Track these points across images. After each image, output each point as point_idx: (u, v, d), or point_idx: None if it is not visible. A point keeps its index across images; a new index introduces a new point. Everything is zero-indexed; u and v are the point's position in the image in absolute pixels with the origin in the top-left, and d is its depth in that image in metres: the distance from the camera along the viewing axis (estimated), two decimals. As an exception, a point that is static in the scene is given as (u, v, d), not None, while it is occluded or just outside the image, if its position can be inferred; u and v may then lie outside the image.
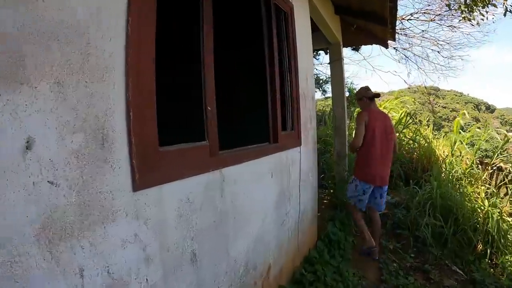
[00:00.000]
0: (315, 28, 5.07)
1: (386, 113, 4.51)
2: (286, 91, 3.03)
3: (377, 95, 3.99)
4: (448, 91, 46.11)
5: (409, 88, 10.22)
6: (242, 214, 2.13)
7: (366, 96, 3.86)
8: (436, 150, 6.71)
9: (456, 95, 46.90)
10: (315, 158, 4.01)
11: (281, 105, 2.82)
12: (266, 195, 2.55)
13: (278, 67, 2.78)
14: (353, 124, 8.58)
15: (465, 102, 45.54)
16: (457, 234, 4.29)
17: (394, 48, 9.20)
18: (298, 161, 3.26)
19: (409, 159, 6.57)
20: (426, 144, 6.83)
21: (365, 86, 4.02)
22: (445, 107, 42.60)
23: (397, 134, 6.83)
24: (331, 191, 5.67)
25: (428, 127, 8.31)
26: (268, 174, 2.56)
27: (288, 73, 3.07)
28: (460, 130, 7.32)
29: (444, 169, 5.85)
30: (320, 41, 5.83)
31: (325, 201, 5.54)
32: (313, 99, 3.90)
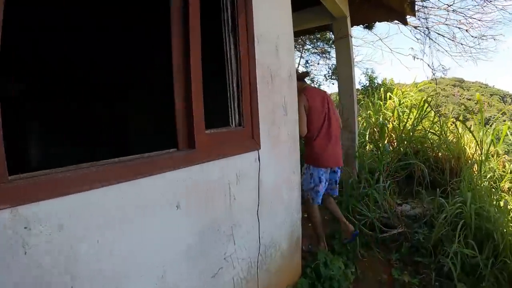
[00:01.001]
0: (316, 2, 4.31)
1: (325, 91, 3.80)
2: (228, 67, 2.02)
3: (306, 73, 3.90)
4: (473, 82, 44.44)
5: (433, 80, 8.89)
6: (94, 279, 1.17)
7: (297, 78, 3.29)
8: (467, 149, 5.55)
9: (481, 87, 45.02)
10: (297, 164, 2.93)
11: (212, 88, 1.91)
12: (166, 238, 1.50)
13: (205, 26, 1.76)
14: (362, 116, 7.54)
15: (491, 94, 43.80)
16: (495, 267, 3.16)
17: (415, 27, 7.97)
18: (254, 174, 2.20)
19: (433, 159, 5.43)
20: (454, 140, 5.69)
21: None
22: (470, 99, 40.85)
23: (420, 127, 5.76)
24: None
25: (459, 121, 7.11)
26: (168, 203, 1.51)
27: (229, 39, 2.03)
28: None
29: (477, 174, 4.72)
30: (323, 16, 4.82)
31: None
32: (292, 79, 2.84)
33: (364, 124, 7.16)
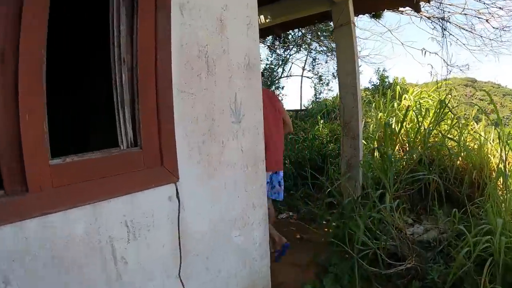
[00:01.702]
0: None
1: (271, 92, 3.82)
2: (115, 51, 1.31)
3: None
4: (485, 82, 43.38)
5: (445, 80, 7.99)
6: None
7: None
8: (491, 158, 4.74)
9: (493, 87, 43.91)
10: (260, 194, 2.24)
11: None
12: None
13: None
14: (368, 117, 6.77)
15: (503, 94, 42.79)
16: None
17: (428, 17, 7.12)
18: (167, 219, 1.48)
19: (451, 169, 4.62)
20: (476, 147, 4.89)
21: None
22: (482, 100, 39.78)
23: (434, 131, 4.96)
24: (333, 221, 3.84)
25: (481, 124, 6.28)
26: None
27: (119, 7, 1.29)
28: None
29: (504, 189, 3.91)
30: (321, 1, 4.08)
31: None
32: (254, 68, 2.12)
33: (374, 126, 6.41)
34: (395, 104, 6.52)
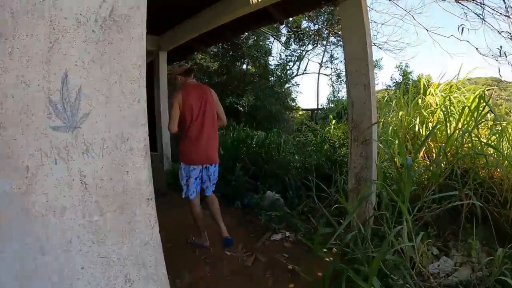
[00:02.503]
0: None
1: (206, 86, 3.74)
2: None
3: (191, 68, 3.59)
4: (509, 82, 41.35)
5: (469, 79, 6.84)
6: None
7: (179, 73, 3.52)
8: (542, 171, 3.73)
9: (520, 87, 41.79)
10: None
11: None
12: None
13: None
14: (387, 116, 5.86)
15: (531, 95, 40.72)
16: None
17: (457, -1, 6.05)
18: None
19: (488, 180, 3.65)
20: (521, 156, 3.92)
21: (178, 63, 3.67)
22: (508, 100, 37.77)
23: (471, 134, 4.00)
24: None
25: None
26: None
27: None
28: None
29: None
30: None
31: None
32: (127, 24, 1.37)
33: (393, 128, 5.49)
34: (419, 101, 5.58)
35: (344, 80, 18.32)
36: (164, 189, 5.79)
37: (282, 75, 15.32)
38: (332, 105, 16.57)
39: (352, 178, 3.23)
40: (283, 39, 15.56)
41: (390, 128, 5.51)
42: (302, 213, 4.39)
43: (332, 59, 17.76)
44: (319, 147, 6.03)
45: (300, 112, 16.22)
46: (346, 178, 4.25)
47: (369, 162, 3.11)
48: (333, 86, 18.44)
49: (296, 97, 16.39)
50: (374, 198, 3.14)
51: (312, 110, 16.56)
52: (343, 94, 18.30)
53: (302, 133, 7.76)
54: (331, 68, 18.18)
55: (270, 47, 15.02)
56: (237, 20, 4.65)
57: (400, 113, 5.50)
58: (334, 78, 18.33)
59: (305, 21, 14.17)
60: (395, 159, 4.76)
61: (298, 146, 6.28)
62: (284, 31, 14.96)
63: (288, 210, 4.47)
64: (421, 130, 4.93)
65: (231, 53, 13.05)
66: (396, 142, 5.11)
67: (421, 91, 5.85)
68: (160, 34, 5.96)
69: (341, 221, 3.27)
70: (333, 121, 7.41)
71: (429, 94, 5.56)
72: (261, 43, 13.65)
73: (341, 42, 15.40)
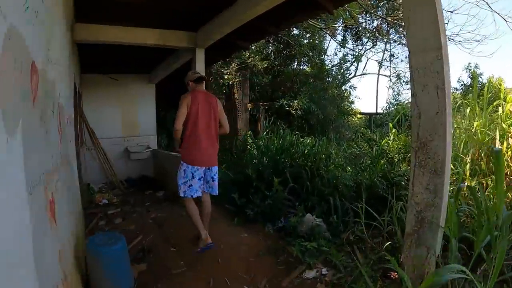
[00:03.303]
0: None
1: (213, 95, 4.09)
2: None
3: (203, 77, 3.99)
4: None
5: None
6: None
7: (191, 80, 3.94)
8: None
9: None
10: None
11: None
12: None
13: None
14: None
15: None
16: None
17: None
18: None
19: None
20: None
21: (193, 70, 4.25)
22: None
23: None
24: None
25: None
26: None
27: None
28: None
29: None
30: None
31: None
32: None
33: (463, 141, 4.51)
34: (500, 109, 4.52)
35: (405, 81, 16.68)
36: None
37: (339, 76, 14.30)
38: (392, 109, 15.27)
39: (412, 217, 2.38)
40: (339, 37, 14.53)
41: (460, 140, 4.53)
42: (346, 244, 3.62)
43: (392, 58, 16.37)
44: (375, 161, 5.13)
45: (358, 116, 15.10)
46: (404, 204, 3.43)
47: (437, 199, 2.23)
48: (393, 88, 17.05)
49: (353, 101, 15.23)
50: (438, 247, 2.29)
51: (370, 114, 15.37)
52: (404, 96, 16.85)
53: (356, 142, 6.83)
54: (391, 68, 16.81)
55: (326, 46, 14.06)
56: (278, 10, 3.96)
57: (475, 124, 4.49)
58: (394, 79, 16.93)
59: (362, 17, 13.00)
60: (467, 182, 3.81)
61: (350, 159, 5.43)
62: (337, 28, 13.91)
63: (329, 237, 3.78)
64: (500, 145, 3.94)
65: (283, 52, 12.35)
66: (469, 159, 4.15)
67: (501, 96, 4.78)
68: (196, 29, 5.43)
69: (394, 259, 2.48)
70: (393, 130, 6.39)
71: (510, 102, 4.50)
72: (317, 42, 12.77)
73: (403, 39, 14.04)
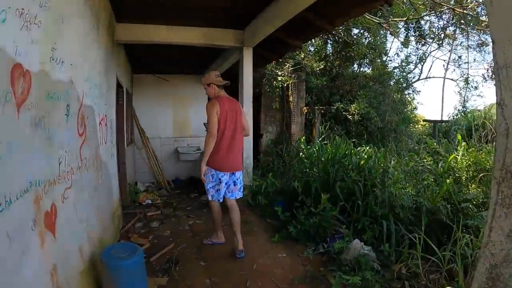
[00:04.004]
0: None
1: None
2: None
3: (227, 83, 3.94)
4: None
5: None
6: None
7: (216, 83, 3.87)
8: None
9: None
10: None
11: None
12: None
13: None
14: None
15: None
16: None
17: None
18: None
19: None
20: None
21: (215, 72, 3.99)
22: None
23: None
24: None
25: None
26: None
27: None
28: None
29: None
30: None
31: None
32: None
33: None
34: None
35: (474, 87, 15.12)
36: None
37: (401, 79, 13.25)
38: (460, 116, 13.91)
39: (484, 271, 1.79)
40: (401, 37, 13.51)
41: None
42: (396, 278, 3.08)
43: (460, 61, 14.89)
44: (439, 180, 4.44)
45: (422, 123, 13.96)
46: (472, 238, 2.82)
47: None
48: (460, 94, 15.56)
49: (416, 107, 14.05)
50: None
51: (435, 122, 14.13)
52: (472, 103, 15.33)
53: (419, 154, 6.05)
54: (459, 72, 15.35)
55: (388, 46, 13.08)
56: (330, 2, 3.50)
57: None
58: (461, 83, 15.41)
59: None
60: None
61: (410, 174, 4.76)
62: (398, 26, 12.89)
63: (378, 267, 3.28)
64: None
65: (342, 53, 11.66)
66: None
67: None
68: (243, 27, 5.10)
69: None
70: (462, 143, 5.51)
71: None
72: (378, 43, 11.93)
73: (470, 39, 12.65)
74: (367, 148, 5.97)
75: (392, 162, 5.06)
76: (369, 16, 9.10)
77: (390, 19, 10.34)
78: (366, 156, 5.18)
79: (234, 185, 3.95)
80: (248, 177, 5.39)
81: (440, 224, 3.60)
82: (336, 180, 4.59)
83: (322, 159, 5.30)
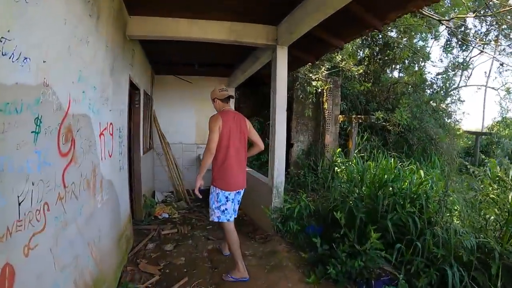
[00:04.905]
0: None
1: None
2: None
3: (230, 96, 3.83)
4: None
5: None
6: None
7: (219, 98, 3.79)
8: None
9: None
10: None
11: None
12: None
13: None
14: None
15: None
16: None
17: None
18: None
19: None
20: None
21: (221, 87, 3.88)
22: None
23: None
24: None
25: None
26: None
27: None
28: None
29: None
30: None
31: None
32: None
33: None
34: None
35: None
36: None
37: (444, 86, 12.17)
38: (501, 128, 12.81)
39: None
40: (442, 41, 12.44)
41: None
42: None
43: (501, 69, 13.65)
44: (510, 217, 3.51)
45: (464, 135, 12.85)
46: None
47: None
48: (500, 104, 14.33)
49: (461, 119, 12.85)
50: None
51: (477, 134, 12.97)
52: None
53: (475, 176, 5.02)
54: (500, 80, 14.20)
55: (429, 51, 12.01)
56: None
57: None
58: (503, 93, 14.11)
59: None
60: None
61: (472, 206, 3.85)
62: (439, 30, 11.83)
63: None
64: None
65: (378, 56, 10.73)
66: None
67: None
68: (277, 22, 4.33)
69: None
70: (507, 162, 4.49)
71: None
72: (418, 46, 10.92)
73: None
74: (412, 165, 5.10)
75: (449, 186, 4.15)
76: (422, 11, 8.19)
77: (451, 15, 9.41)
78: (419, 179, 4.30)
79: (238, 203, 3.81)
80: (279, 197, 4.59)
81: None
82: (386, 211, 3.74)
83: (368, 180, 4.43)
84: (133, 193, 5.62)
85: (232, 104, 4.04)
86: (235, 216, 3.77)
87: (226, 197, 3.61)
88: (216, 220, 3.66)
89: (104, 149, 3.15)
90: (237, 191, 3.69)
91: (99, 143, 2.98)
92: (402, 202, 3.76)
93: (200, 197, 3.59)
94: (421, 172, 4.61)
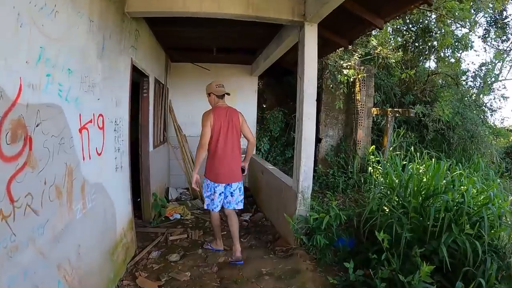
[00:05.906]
0: None
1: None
2: None
3: (227, 93, 3.93)
4: None
5: None
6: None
7: (215, 93, 3.87)
8: None
9: None
10: None
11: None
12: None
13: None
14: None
15: None
16: None
17: None
18: None
19: None
20: None
21: (217, 81, 3.95)
22: None
23: None
24: None
25: None
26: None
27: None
28: None
29: None
30: None
31: None
32: None
33: None
34: None
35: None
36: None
37: (488, 79, 10.92)
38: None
39: None
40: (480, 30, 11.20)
41: None
42: None
43: None
44: None
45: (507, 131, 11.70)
46: None
47: None
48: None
49: (495, 112, 11.51)
50: None
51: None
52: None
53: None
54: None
55: (470, 40, 10.73)
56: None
57: None
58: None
59: None
60: None
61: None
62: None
63: None
64: None
65: (415, 44, 9.68)
66: None
67: None
68: (306, -6, 3.57)
69: None
70: None
71: None
72: (456, 34, 9.74)
73: None
74: (454, 167, 4.33)
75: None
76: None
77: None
78: (474, 193, 3.48)
79: (231, 196, 3.91)
80: (305, 204, 3.85)
81: None
82: (440, 232, 2.93)
83: (410, 188, 3.60)
84: (140, 193, 5.08)
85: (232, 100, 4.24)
86: (239, 209, 4.00)
87: (214, 189, 3.82)
88: (205, 207, 3.97)
89: (88, 146, 2.56)
90: (227, 183, 3.85)
91: (78, 139, 2.38)
92: (459, 220, 2.97)
93: (197, 190, 3.99)
94: (475, 179, 3.80)
